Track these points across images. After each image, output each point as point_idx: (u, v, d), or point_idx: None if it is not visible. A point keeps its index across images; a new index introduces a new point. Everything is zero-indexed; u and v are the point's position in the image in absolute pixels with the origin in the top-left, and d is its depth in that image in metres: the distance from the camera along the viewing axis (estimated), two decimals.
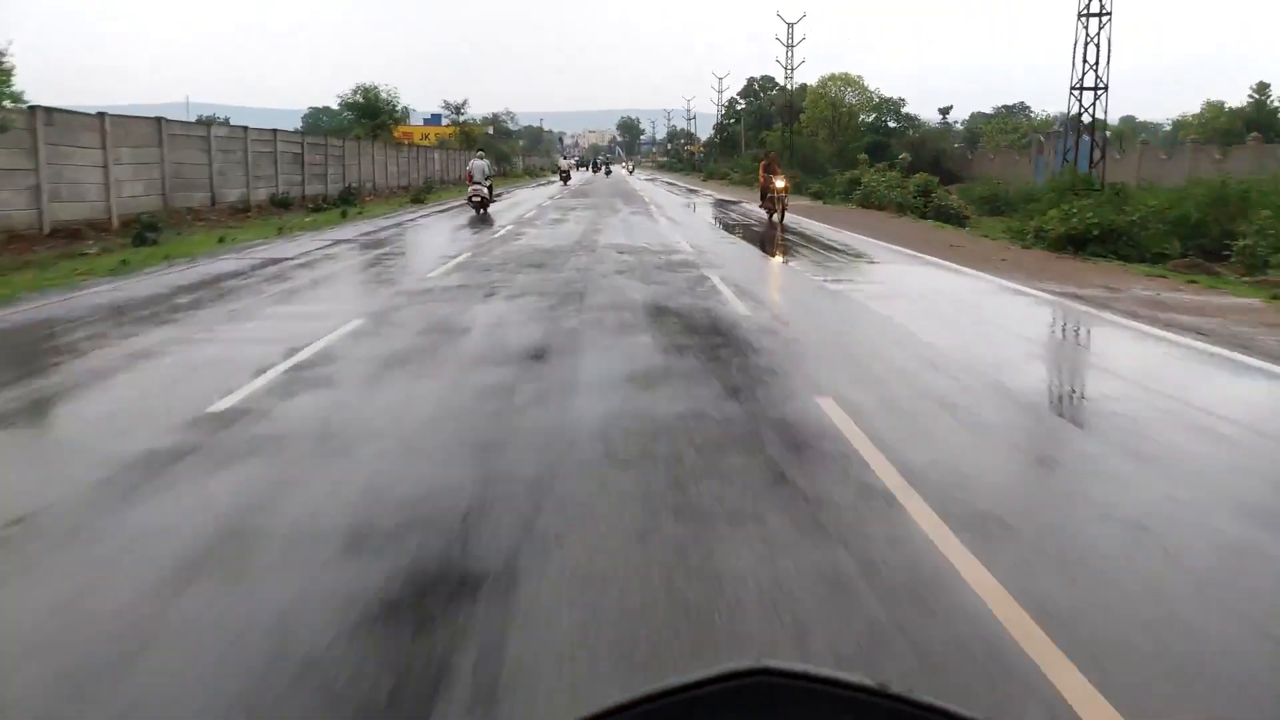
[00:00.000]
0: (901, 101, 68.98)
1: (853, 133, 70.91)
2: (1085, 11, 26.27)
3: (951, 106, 72.84)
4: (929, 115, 73.79)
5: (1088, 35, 25.88)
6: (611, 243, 19.10)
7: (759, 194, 25.13)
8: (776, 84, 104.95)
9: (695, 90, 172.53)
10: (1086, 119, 27.18)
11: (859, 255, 17.77)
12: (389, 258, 16.85)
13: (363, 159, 40.56)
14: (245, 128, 28.74)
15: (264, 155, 29.54)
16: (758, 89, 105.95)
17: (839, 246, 19.33)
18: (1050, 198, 23.93)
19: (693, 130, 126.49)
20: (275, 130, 30.50)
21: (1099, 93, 26.59)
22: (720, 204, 36.64)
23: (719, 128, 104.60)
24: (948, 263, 15.97)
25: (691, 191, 51.21)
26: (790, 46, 62.03)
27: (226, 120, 54.12)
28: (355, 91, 45.05)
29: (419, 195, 36.10)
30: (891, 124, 69.68)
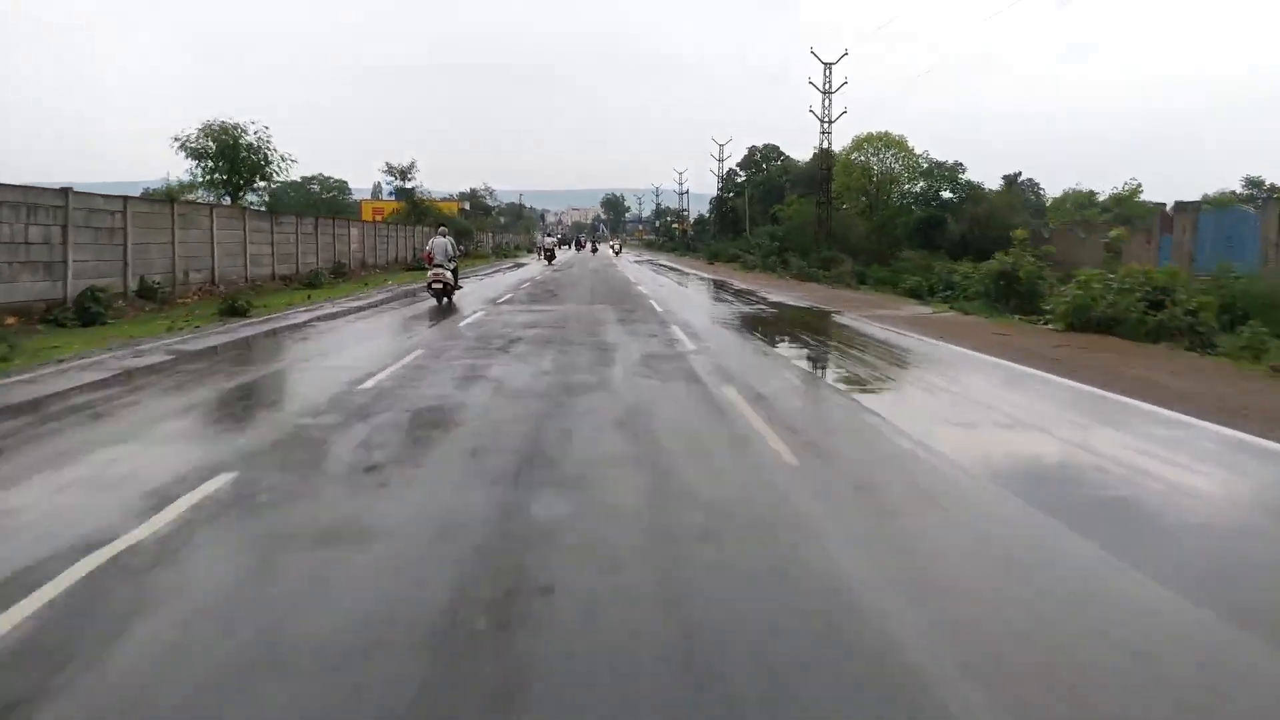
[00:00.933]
0: (960, 167, 52.92)
1: (895, 207, 54.85)
2: None
3: (1020, 173, 57.20)
4: (982, 181, 57.56)
5: None
6: None
7: None
8: (782, 154, 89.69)
9: (685, 163, 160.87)
10: None
11: None
12: None
13: (185, 233, 23.46)
14: None
15: None
16: (759, 159, 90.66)
17: None
18: None
19: (685, 206, 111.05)
20: None
21: None
22: (820, 325, 19.52)
23: (717, 201, 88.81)
24: None
25: (716, 286, 34.04)
26: (827, 93, 46.06)
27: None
28: (204, 133, 27.93)
29: (237, 303, 18.88)
30: (946, 193, 53.62)
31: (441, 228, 24.91)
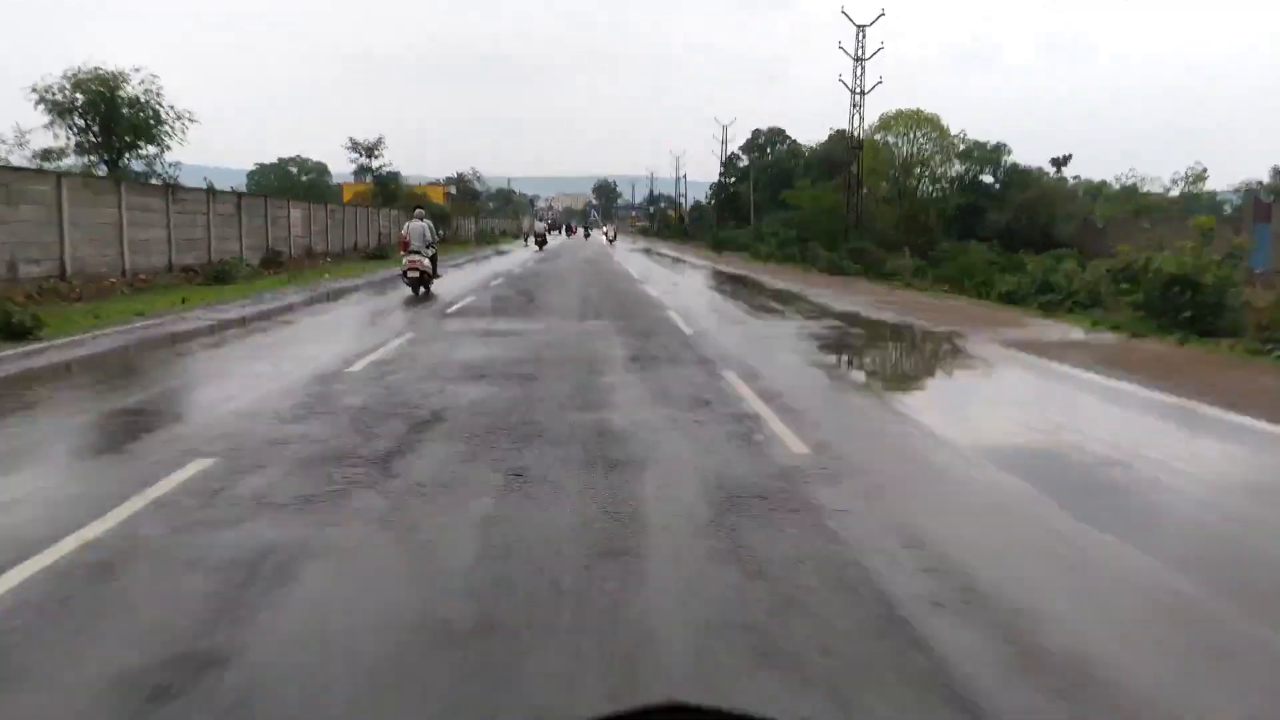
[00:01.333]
0: (1003, 148, 45.82)
1: (927, 193, 47.78)
2: None
3: (1070, 156, 50.19)
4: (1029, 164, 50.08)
5: None
6: None
7: None
8: (788, 137, 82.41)
9: (681, 149, 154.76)
10: None
11: None
12: None
13: (10, 211, 16.29)
14: None
15: None
16: (764, 143, 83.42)
17: None
18: None
19: (683, 191, 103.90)
20: None
21: None
22: (972, 367, 12.48)
23: (719, 186, 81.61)
24: None
25: (744, 285, 26.94)
26: (859, 59, 38.87)
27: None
28: (71, 83, 20.52)
29: (14, 320, 11.62)
30: (986, 178, 46.58)
31: (418, 210, 19.57)
